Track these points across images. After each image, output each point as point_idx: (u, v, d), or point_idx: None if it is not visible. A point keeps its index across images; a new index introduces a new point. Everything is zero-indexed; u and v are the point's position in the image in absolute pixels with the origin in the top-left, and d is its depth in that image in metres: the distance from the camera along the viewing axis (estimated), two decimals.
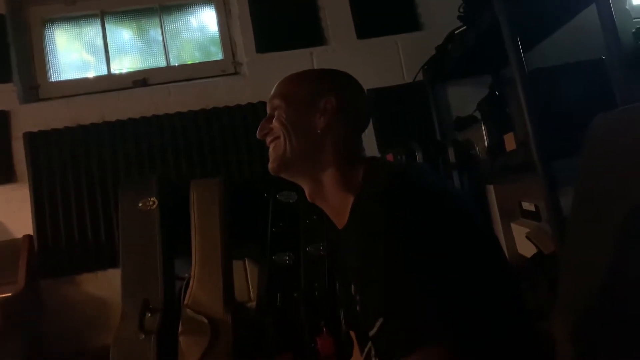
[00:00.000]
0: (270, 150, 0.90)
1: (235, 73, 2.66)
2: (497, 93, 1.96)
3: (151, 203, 2.11)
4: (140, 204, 2.11)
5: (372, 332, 0.66)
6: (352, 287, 0.82)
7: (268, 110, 0.92)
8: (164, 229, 2.08)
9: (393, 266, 0.65)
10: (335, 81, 0.92)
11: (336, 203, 0.86)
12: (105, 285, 2.28)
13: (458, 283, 0.65)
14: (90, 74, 2.68)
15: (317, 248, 2.15)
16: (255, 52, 2.57)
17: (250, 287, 2.37)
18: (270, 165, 0.90)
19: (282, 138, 0.87)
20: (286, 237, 2.18)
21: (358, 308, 0.77)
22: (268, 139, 0.90)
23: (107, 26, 2.68)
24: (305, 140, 0.86)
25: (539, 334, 0.76)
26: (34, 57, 2.59)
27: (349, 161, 0.86)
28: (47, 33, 2.65)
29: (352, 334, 1.01)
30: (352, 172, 0.84)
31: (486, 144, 2.00)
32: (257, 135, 0.92)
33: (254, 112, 2.46)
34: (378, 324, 0.64)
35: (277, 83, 0.93)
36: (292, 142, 0.86)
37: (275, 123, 0.88)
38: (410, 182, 0.75)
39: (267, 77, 2.44)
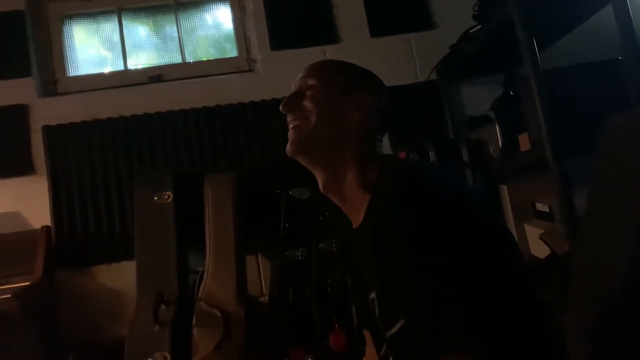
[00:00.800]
0: (292, 130, 0.86)
1: (250, 70, 2.68)
2: (511, 93, 1.95)
3: (166, 197, 2.13)
4: (156, 198, 2.14)
5: (390, 333, 0.65)
6: (368, 286, 0.81)
7: (297, 87, 0.88)
8: (179, 223, 2.11)
9: (411, 267, 0.64)
10: (374, 80, 0.91)
11: (353, 200, 0.84)
12: (120, 277, 2.32)
13: (477, 283, 0.64)
14: (107, 70, 2.72)
15: (330, 244, 2.16)
16: (269, 49, 2.58)
17: (263, 282, 2.39)
18: (289, 147, 0.85)
19: (312, 119, 0.83)
20: (298, 233, 2.19)
21: (374, 307, 0.76)
22: (291, 116, 0.86)
23: (123, 22, 2.71)
24: (334, 130, 0.84)
25: (553, 332, 0.76)
26: (53, 53, 2.64)
27: (369, 159, 0.84)
28: (65, 29, 2.69)
29: (367, 333, 1.00)
30: (369, 170, 0.82)
31: (500, 144, 1.99)
32: (282, 109, 0.87)
33: (267, 109, 2.48)
34: (398, 325, 0.63)
35: (311, 64, 0.90)
36: (323, 127, 0.83)
37: (307, 102, 0.85)
38: (424, 180, 0.74)
39: (281, 74, 2.48)
